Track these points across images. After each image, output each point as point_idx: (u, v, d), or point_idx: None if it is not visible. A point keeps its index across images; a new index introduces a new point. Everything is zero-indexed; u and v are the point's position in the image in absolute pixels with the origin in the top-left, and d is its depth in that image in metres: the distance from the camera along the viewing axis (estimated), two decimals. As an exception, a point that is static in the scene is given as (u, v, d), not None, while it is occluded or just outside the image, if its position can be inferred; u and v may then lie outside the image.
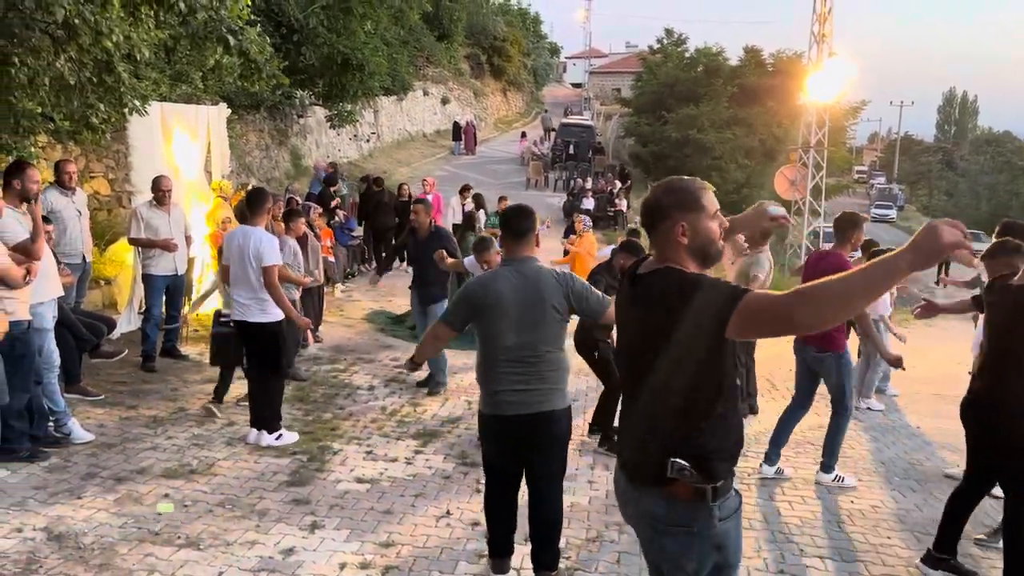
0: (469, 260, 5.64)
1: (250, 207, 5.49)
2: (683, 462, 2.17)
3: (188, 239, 7.71)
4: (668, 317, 2.16)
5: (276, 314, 5.43)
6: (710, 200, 2.28)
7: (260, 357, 5.53)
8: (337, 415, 6.20)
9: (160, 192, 7.12)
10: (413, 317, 7.36)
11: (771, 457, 5.44)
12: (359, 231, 13.32)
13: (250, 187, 9.74)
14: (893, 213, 49.48)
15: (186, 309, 8.36)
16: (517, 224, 3.63)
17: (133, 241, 7.31)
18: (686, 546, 2.26)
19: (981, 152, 58.89)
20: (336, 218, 12.01)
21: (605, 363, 5.86)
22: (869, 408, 7.28)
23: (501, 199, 13.15)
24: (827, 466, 5.39)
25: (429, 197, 12.80)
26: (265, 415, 5.48)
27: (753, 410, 6.87)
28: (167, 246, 7.04)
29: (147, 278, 7.27)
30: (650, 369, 2.25)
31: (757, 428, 6.58)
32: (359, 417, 6.21)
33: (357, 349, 8.39)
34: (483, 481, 4.98)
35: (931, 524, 4.72)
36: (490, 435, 3.73)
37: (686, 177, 2.36)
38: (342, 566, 3.85)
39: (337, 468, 5.12)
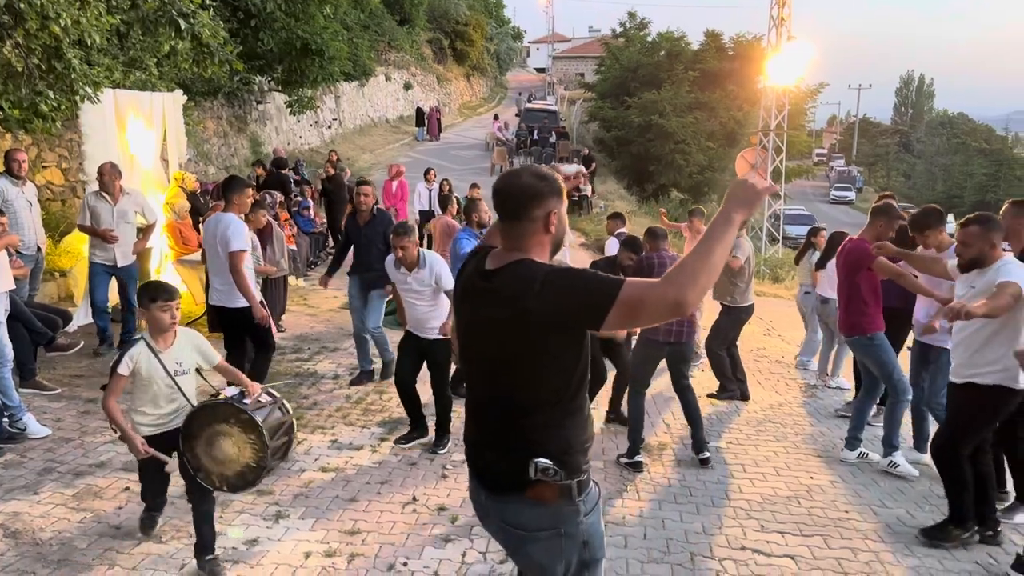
0: (388, 259, 5.41)
1: (223, 194, 5.69)
2: (546, 461, 2.09)
3: (148, 229, 7.55)
4: (532, 312, 2.03)
5: (247, 300, 5.60)
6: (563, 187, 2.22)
7: (236, 341, 5.76)
8: (301, 404, 6.15)
9: (101, 180, 6.98)
10: (350, 303, 7.05)
11: (852, 443, 5.51)
12: (321, 216, 13.14)
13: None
14: (852, 195, 50.33)
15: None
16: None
17: (80, 228, 7.24)
18: (554, 549, 2.19)
19: (936, 134, 60.15)
20: (294, 204, 11.86)
21: (614, 346, 6.04)
22: (839, 387, 7.40)
23: (473, 186, 13.06)
24: (849, 441, 5.53)
25: (394, 185, 12.75)
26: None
27: (745, 396, 6.88)
28: (105, 237, 6.90)
29: (90, 264, 7.17)
30: (505, 368, 2.16)
31: (753, 413, 6.68)
32: (324, 406, 6.16)
33: (321, 338, 8.32)
34: (448, 467, 5.03)
35: (887, 497, 4.85)
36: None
37: (544, 167, 2.27)
38: (307, 555, 3.84)
39: (301, 458, 5.09)
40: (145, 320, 3.58)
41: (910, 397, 5.26)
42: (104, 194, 6.98)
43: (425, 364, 5.42)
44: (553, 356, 2.10)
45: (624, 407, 5.77)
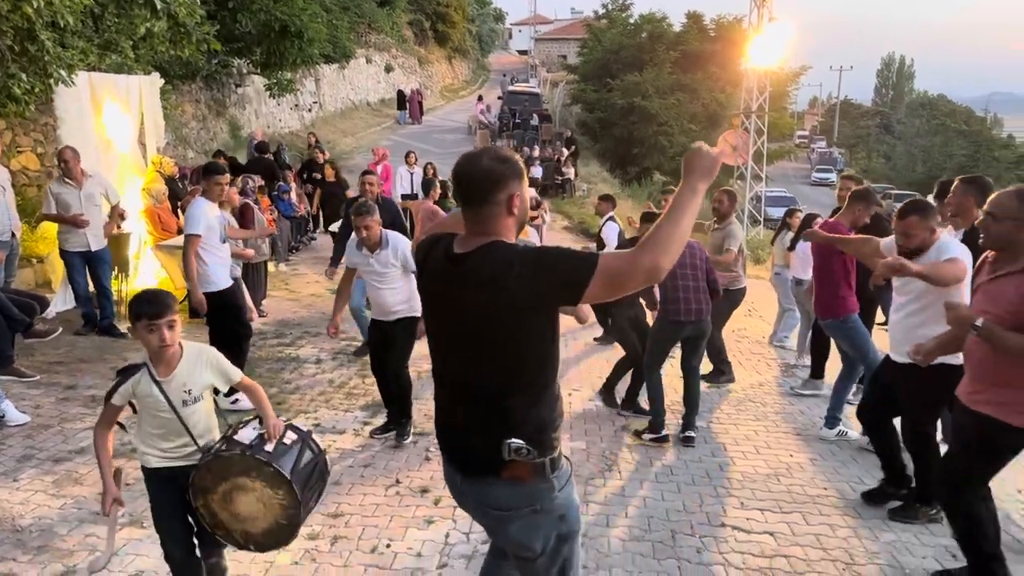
0: (349, 241, 5.29)
1: (202, 179, 5.75)
2: (519, 441, 2.12)
3: (121, 213, 7.47)
4: (509, 294, 2.04)
5: (219, 283, 5.66)
6: (523, 168, 2.24)
7: (217, 325, 5.72)
8: (284, 389, 6.13)
9: (61, 164, 6.91)
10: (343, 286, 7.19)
11: (831, 421, 5.57)
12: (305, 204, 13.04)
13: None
14: (833, 176, 50.50)
15: (125, 286, 8.15)
16: None
17: (45, 217, 7.17)
18: (532, 526, 2.23)
19: (917, 115, 60.42)
20: (275, 189, 11.76)
21: (621, 331, 6.08)
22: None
23: None
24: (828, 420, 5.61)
25: (379, 168, 12.68)
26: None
27: (730, 378, 6.88)
28: (76, 222, 6.83)
29: (63, 255, 7.11)
30: (479, 352, 2.17)
31: (734, 393, 6.74)
32: (306, 391, 6.15)
33: (303, 323, 8.30)
34: (432, 449, 5.04)
35: (865, 475, 4.91)
36: None
37: (499, 145, 2.34)
38: (290, 538, 3.84)
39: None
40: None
41: None
42: (67, 180, 6.91)
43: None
44: (528, 336, 2.12)
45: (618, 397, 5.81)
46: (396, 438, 5.21)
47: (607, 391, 6.22)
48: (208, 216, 5.62)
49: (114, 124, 8.66)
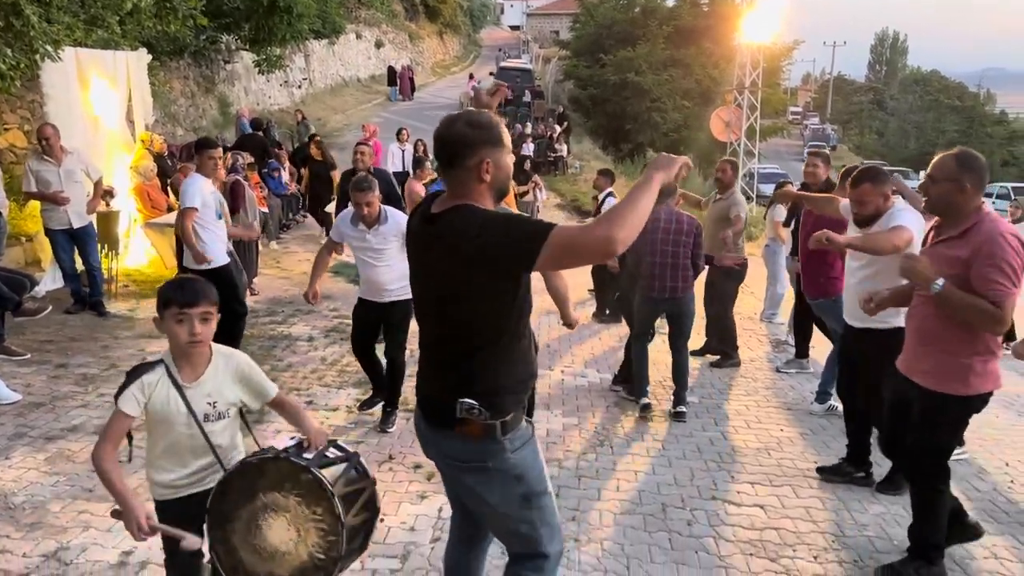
0: (342, 216, 5.10)
1: (195, 156, 5.75)
2: (471, 401, 2.21)
3: (109, 190, 7.41)
4: (468, 255, 2.11)
5: (216, 260, 5.64)
6: (507, 135, 2.27)
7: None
8: (276, 367, 6.13)
9: (41, 141, 6.85)
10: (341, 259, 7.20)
11: (822, 396, 5.63)
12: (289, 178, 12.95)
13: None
14: (827, 152, 50.37)
15: (115, 264, 8.11)
16: None
17: (27, 195, 7.12)
18: (485, 482, 2.32)
19: (910, 91, 60.30)
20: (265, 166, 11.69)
21: (631, 307, 6.03)
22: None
23: None
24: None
25: (370, 144, 12.61)
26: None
27: (735, 362, 6.79)
28: (55, 199, 6.78)
29: (47, 233, 7.07)
30: (444, 310, 2.26)
31: (726, 369, 6.77)
32: (298, 368, 6.16)
33: (295, 301, 8.28)
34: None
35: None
36: None
37: (480, 110, 2.34)
38: (283, 513, 3.85)
39: (277, 419, 5.07)
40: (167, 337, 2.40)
41: None
42: (47, 157, 6.85)
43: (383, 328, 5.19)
44: (489, 299, 2.19)
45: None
46: (380, 424, 5.06)
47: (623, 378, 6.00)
48: (203, 191, 5.60)
49: (101, 101, 8.58)
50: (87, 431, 4.72)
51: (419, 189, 8.57)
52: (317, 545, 2.28)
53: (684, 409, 5.43)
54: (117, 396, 2.34)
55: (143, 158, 9.25)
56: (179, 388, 2.37)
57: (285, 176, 12.11)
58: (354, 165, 7.30)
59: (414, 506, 4.01)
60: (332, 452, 2.49)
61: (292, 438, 2.49)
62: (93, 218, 7.27)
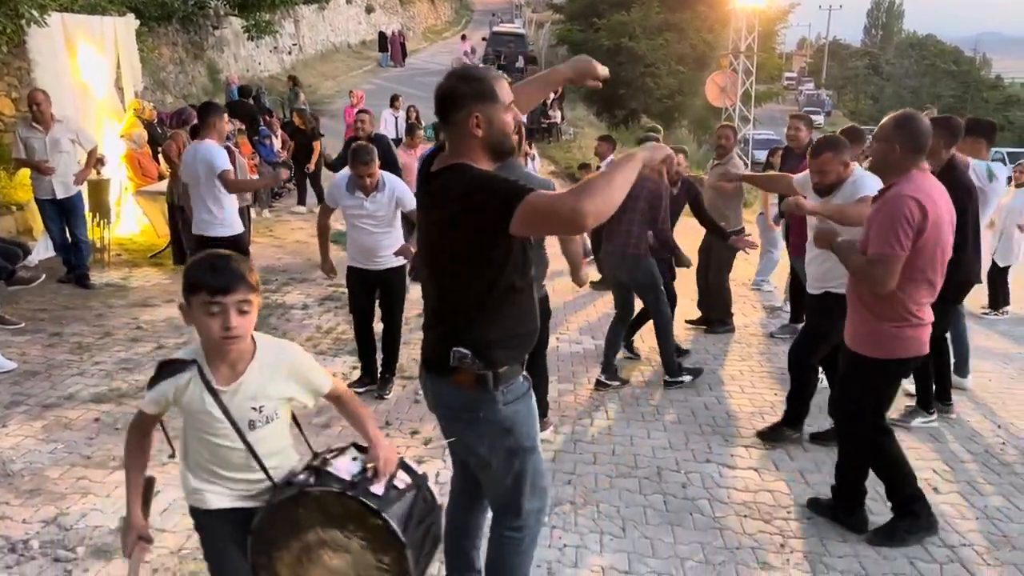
0: (336, 182, 5.07)
1: (200, 122, 5.57)
2: (464, 350, 2.25)
3: (100, 158, 7.33)
4: (453, 213, 2.16)
5: (235, 228, 5.59)
6: (504, 91, 2.23)
7: None
8: (270, 335, 6.12)
9: (32, 107, 6.75)
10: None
11: None
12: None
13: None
14: (821, 119, 50.21)
15: (107, 233, 8.06)
16: None
17: (16, 162, 7.06)
18: (476, 431, 2.38)
19: (906, 56, 59.95)
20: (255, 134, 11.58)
21: None
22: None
23: None
24: None
25: (370, 112, 12.48)
26: None
27: (730, 329, 6.78)
28: (39, 168, 6.71)
29: (36, 202, 7.02)
30: (440, 265, 2.32)
31: (720, 335, 6.79)
32: (294, 336, 6.16)
33: (289, 269, 8.25)
34: (419, 392, 5.07)
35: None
36: None
37: (480, 66, 2.32)
38: (281, 479, 3.88)
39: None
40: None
41: None
42: (35, 124, 6.76)
43: (378, 296, 5.15)
44: (477, 256, 2.20)
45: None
46: (379, 390, 5.09)
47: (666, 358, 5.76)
48: (225, 156, 5.60)
49: (89, 67, 8.46)
50: (83, 399, 4.72)
51: (408, 161, 8.45)
52: None
53: (668, 378, 5.38)
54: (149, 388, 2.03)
55: (134, 126, 9.15)
56: (214, 393, 1.95)
57: (276, 144, 11.99)
58: (355, 132, 7.43)
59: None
60: (402, 480, 2.13)
61: (355, 458, 2.12)
62: (82, 189, 7.19)
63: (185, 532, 3.31)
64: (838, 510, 3.61)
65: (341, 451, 2.17)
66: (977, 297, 7.33)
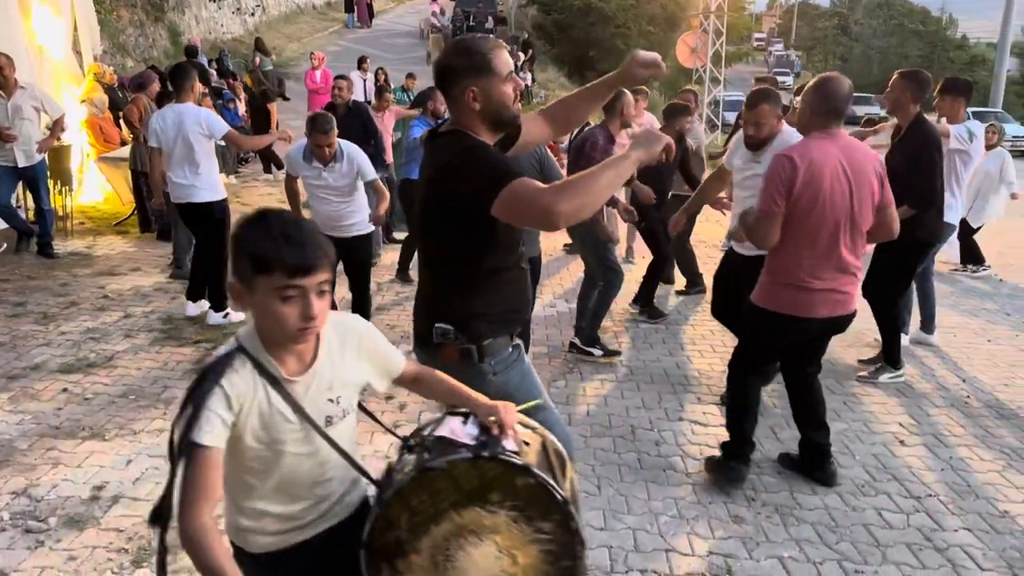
0: (293, 151, 4.92)
1: (175, 84, 5.39)
2: (445, 326, 2.23)
3: (56, 125, 7.13)
4: (444, 182, 2.13)
5: (220, 191, 5.49)
6: (503, 61, 2.16)
7: (208, 235, 5.50)
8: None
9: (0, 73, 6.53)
10: None
11: None
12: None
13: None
14: (790, 80, 50.37)
15: (69, 201, 7.88)
16: None
17: None
18: None
19: (874, 16, 59.95)
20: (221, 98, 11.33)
21: (652, 234, 5.97)
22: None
23: (409, 75, 12.60)
24: None
25: (318, 74, 12.25)
26: (215, 294, 5.56)
27: (700, 289, 6.79)
28: (1, 135, 6.50)
29: None
30: (427, 232, 2.29)
31: (691, 295, 6.81)
32: (264, 302, 6.09)
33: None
34: (410, 350, 5.05)
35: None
36: None
37: (479, 36, 2.25)
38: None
39: (244, 353, 5.06)
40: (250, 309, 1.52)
41: None
42: None
43: (342, 266, 5.03)
44: (460, 230, 2.16)
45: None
46: None
47: (644, 300, 6.07)
48: (219, 118, 5.49)
49: (45, 30, 8.19)
50: (50, 369, 4.64)
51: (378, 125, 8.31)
52: (543, 574, 1.61)
53: (575, 341, 5.22)
54: (186, 426, 1.43)
55: (94, 90, 8.90)
56: (281, 387, 1.53)
57: (241, 108, 11.76)
58: (333, 99, 7.32)
59: (387, 436, 4.02)
60: (524, 436, 1.77)
61: (465, 421, 1.74)
62: (44, 158, 6.99)
63: (159, 500, 3.29)
64: (808, 465, 3.67)
65: (438, 422, 1.78)
66: (954, 258, 7.45)
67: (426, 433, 1.75)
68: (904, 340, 5.26)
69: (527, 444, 1.73)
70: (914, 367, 5.16)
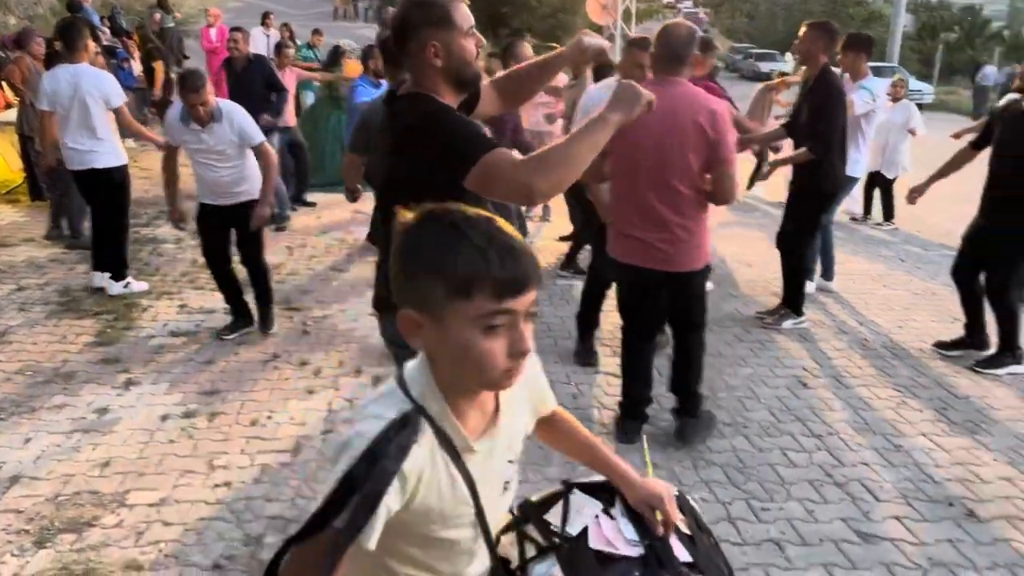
0: (170, 115, 4.47)
1: (67, 43, 5.00)
2: None
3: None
4: (403, 143, 2.05)
5: (122, 156, 5.20)
6: (463, 15, 2.05)
7: (109, 202, 5.23)
8: (143, 271, 5.81)
9: None
10: None
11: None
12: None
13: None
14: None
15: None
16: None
17: None
18: None
19: (779, -27, 61.10)
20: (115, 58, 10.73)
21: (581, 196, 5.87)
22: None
23: (315, 32, 12.14)
24: None
25: (213, 32, 11.70)
26: (115, 263, 5.31)
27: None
28: None
29: None
30: (385, 196, 2.23)
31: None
32: (168, 271, 5.86)
33: (159, 202, 7.76)
34: (309, 323, 4.96)
35: (729, 324, 5.22)
36: None
37: None
38: (164, 418, 3.73)
39: (148, 324, 4.87)
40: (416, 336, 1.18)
41: None
42: None
43: (235, 235, 4.65)
44: (419, 197, 2.06)
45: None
46: (262, 326, 4.78)
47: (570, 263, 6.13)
48: (118, 86, 5.15)
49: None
50: (-64, 349, 4.37)
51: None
52: None
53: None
54: (349, 518, 1.03)
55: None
56: (461, 460, 1.16)
57: (136, 67, 11.16)
58: (229, 53, 6.91)
59: (302, 402, 3.96)
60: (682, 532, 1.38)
61: (609, 514, 1.38)
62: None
63: (61, 479, 3.16)
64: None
65: (565, 501, 1.40)
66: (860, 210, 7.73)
67: (555, 527, 1.33)
68: (810, 287, 5.48)
69: (687, 535, 1.38)
70: (816, 313, 5.38)
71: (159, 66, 10.58)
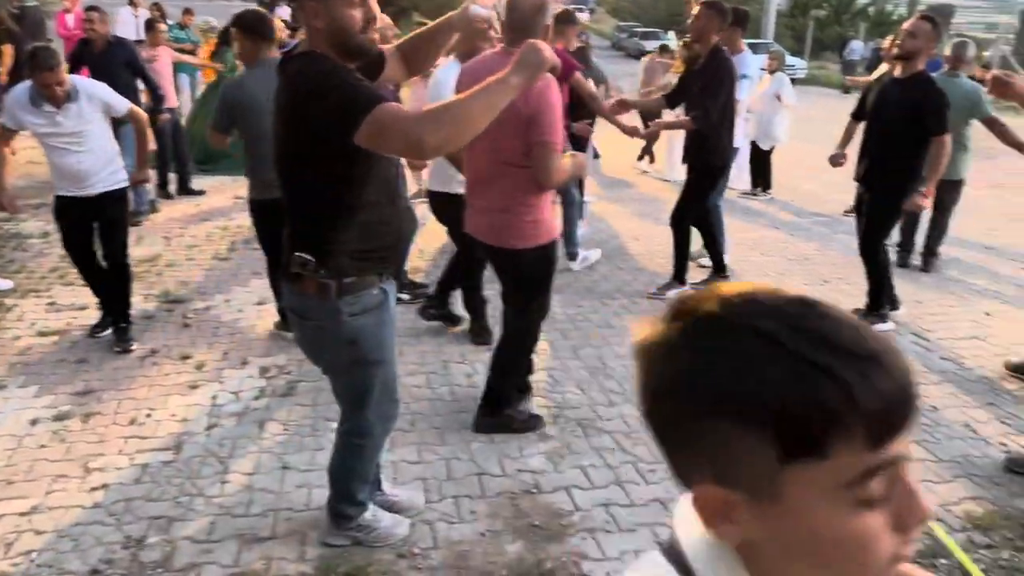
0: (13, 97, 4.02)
1: None
2: (306, 256, 2.17)
3: None
4: (296, 104, 2.03)
5: None
6: None
7: None
8: (6, 268, 5.45)
9: None
10: None
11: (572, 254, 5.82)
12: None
13: None
14: (586, 15, 51.59)
15: None
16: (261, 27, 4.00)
17: None
18: (318, 339, 2.35)
19: (659, -47, 62.44)
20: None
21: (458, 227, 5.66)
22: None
23: (186, 11, 11.53)
24: None
25: (70, 18, 10.88)
26: None
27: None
28: None
29: None
30: (285, 163, 2.19)
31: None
32: (34, 268, 5.51)
33: (22, 194, 7.26)
34: (189, 315, 4.77)
35: (615, 295, 5.34)
36: None
37: None
38: (33, 422, 3.52)
39: (14, 324, 4.57)
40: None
41: None
42: None
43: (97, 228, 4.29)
44: (320, 162, 2.07)
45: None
46: (119, 343, 4.31)
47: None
48: None
49: None
50: None
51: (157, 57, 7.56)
52: None
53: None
54: None
55: None
56: None
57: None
58: (86, 35, 6.35)
59: (184, 397, 3.82)
60: None
61: None
62: None
63: None
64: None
65: None
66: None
67: None
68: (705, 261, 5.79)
69: None
70: (693, 281, 5.57)
71: (7, 49, 9.67)
